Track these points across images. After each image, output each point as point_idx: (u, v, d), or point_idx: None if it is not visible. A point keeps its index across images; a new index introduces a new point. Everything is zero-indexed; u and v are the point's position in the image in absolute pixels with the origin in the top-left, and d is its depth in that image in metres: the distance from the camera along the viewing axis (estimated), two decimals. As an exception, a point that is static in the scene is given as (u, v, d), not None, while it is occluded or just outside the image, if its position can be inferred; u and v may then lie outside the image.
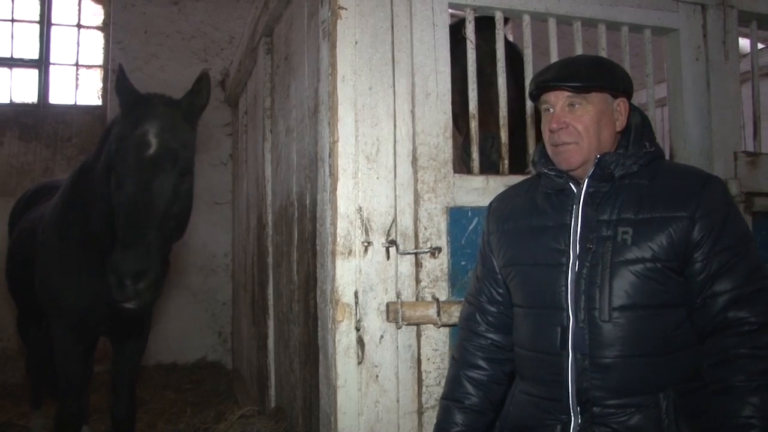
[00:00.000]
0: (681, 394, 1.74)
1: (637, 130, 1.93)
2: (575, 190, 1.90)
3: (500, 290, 2.06)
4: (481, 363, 2.05)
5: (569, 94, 1.88)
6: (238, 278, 5.79)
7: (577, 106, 1.88)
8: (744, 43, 3.58)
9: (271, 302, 3.95)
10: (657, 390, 1.74)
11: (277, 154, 3.85)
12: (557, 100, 1.90)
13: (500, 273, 2.05)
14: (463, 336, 2.12)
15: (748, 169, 2.99)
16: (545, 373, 1.86)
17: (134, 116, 2.81)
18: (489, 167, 2.80)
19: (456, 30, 2.75)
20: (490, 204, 2.17)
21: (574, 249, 1.84)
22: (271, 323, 3.94)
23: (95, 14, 6.73)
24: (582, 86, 1.86)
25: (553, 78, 1.90)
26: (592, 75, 1.88)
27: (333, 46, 2.37)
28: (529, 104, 2.73)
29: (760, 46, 4.29)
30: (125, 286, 2.48)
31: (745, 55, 3.66)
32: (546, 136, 1.95)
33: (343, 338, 2.31)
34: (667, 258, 1.75)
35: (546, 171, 1.94)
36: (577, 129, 1.87)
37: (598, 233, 1.81)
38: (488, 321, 2.07)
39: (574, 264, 1.83)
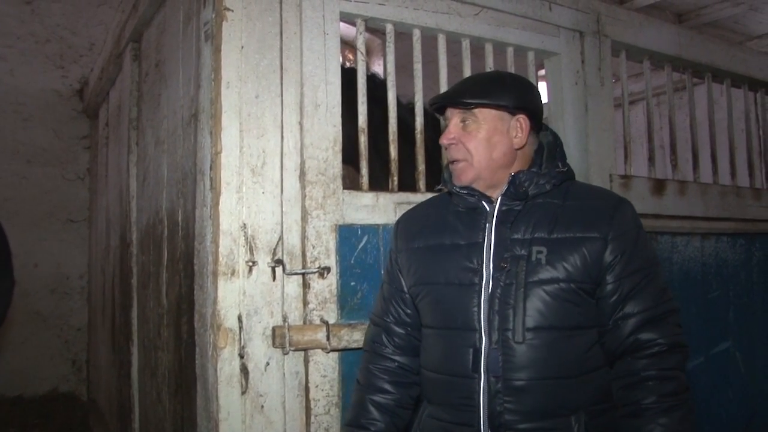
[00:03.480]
0: (591, 416, 1.72)
1: (550, 149, 1.91)
2: (488, 209, 1.85)
3: (408, 311, 1.97)
4: (387, 387, 1.94)
5: (460, 110, 1.86)
6: (96, 302, 5.37)
7: (468, 122, 1.85)
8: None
9: (135, 327, 3.64)
10: (569, 413, 1.70)
11: (144, 167, 3.58)
12: (452, 116, 1.89)
13: (409, 293, 1.96)
14: (368, 359, 2.00)
15: (622, 190, 3.10)
16: (456, 397, 1.77)
17: None
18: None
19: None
20: (398, 221, 2.09)
21: (487, 268, 1.78)
22: (135, 350, 3.63)
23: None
24: (469, 103, 1.84)
25: (444, 95, 1.90)
26: (484, 92, 1.84)
27: (217, 50, 2.20)
28: (418, 121, 2.67)
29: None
30: None
31: (616, 82, 3.83)
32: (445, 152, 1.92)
33: (226, 366, 2.12)
34: (581, 279, 1.73)
35: (458, 189, 1.88)
36: (466, 147, 1.84)
37: (512, 252, 1.77)
38: (395, 343, 1.97)
39: (487, 283, 1.77)
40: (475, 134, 1.84)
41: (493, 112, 1.85)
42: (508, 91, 1.86)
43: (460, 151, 1.85)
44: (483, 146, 1.84)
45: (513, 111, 1.86)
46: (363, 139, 2.52)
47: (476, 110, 1.84)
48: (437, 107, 1.95)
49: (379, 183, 2.81)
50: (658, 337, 1.71)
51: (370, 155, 2.59)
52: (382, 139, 2.75)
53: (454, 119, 1.88)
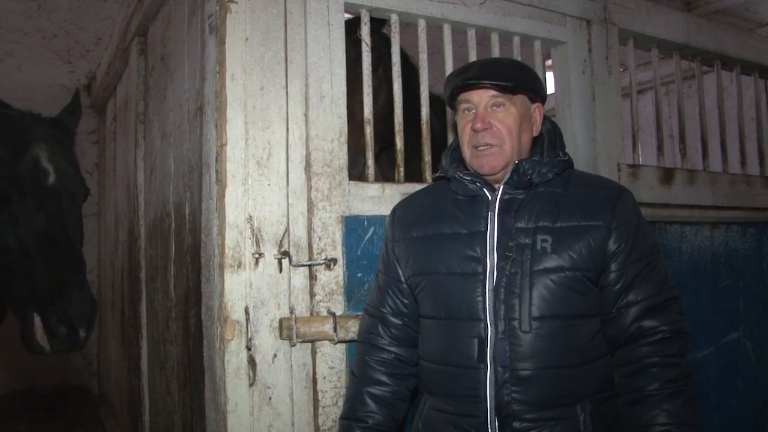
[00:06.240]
0: (596, 405, 1.72)
1: (550, 138, 1.90)
2: (489, 197, 1.83)
3: (406, 301, 1.95)
4: (385, 378, 1.93)
5: (494, 93, 1.81)
6: (106, 295, 5.38)
7: (501, 107, 1.80)
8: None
9: (144, 320, 3.65)
10: (574, 402, 1.70)
11: (152, 161, 3.58)
12: (481, 99, 1.82)
13: (407, 283, 1.94)
14: (364, 350, 1.99)
15: (630, 180, 3.08)
16: (460, 388, 1.77)
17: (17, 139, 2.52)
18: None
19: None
20: (394, 210, 2.07)
21: (491, 257, 1.77)
22: (144, 343, 3.65)
23: (-64, 5, 6.07)
24: (510, 86, 1.79)
25: (480, 76, 1.81)
26: (518, 75, 1.82)
27: (221, 42, 2.19)
28: (424, 111, 2.66)
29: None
30: (78, 335, 2.30)
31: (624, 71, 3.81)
32: (466, 137, 1.85)
33: (233, 358, 2.12)
34: (586, 267, 1.73)
35: (460, 176, 1.86)
36: (500, 131, 1.80)
37: (517, 241, 1.76)
38: (392, 334, 1.96)
39: (491, 272, 1.76)
40: (509, 119, 1.81)
41: (523, 97, 1.84)
42: (534, 78, 1.87)
43: (495, 135, 1.81)
44: (516, 131, 1.82)
45: (534, 99, 1.86)
46: (369, 130, 2.51)
47: (512, 94, 1.81)
48: (458, 90, 1.86)
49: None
50: (660, 324, 1.72)
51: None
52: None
53: (483, 102, 1.82)
